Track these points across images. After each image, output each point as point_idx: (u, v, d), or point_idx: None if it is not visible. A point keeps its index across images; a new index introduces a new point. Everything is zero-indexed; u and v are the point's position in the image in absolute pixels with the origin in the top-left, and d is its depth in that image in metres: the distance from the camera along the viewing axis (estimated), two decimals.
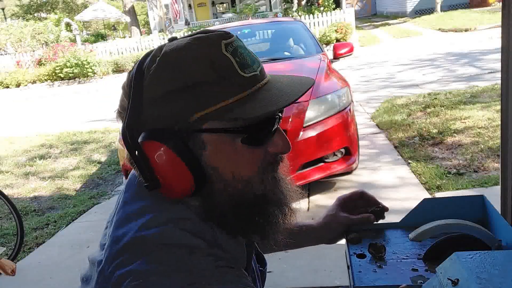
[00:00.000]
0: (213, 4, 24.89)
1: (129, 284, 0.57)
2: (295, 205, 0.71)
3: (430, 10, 20.44)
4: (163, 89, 0.59)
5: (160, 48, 0.63)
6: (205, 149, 0.61)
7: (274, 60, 4.39)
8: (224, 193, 0.63)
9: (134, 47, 15.78)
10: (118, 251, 0.61)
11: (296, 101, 2.77)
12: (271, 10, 22.96)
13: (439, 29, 14.80)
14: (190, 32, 0.66)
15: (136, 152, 0.61)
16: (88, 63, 14.25)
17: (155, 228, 0.60)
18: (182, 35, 0.68)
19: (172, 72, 0.59)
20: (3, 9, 27.04)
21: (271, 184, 0.67)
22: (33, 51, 16.49)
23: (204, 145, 0.61)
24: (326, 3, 16.00)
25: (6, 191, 4.20)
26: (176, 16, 19.52)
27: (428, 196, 3.24)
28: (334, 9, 15.71)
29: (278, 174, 0.69)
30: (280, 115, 0.67)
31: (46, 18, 27.65)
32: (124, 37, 24.70)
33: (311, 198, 3.48)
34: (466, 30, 13.50)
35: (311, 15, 14.78)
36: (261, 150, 0.64)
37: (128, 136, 0.61)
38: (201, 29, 0.78)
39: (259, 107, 0.59)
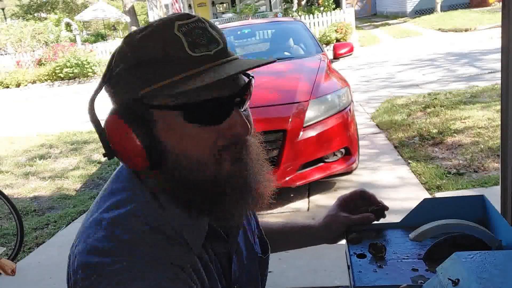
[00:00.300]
0: (213, 4, 24.87)
1: (75, 261, 0.63)
2: (263, 189, 0.69)
3: (430, 10, 20.44)
4: (121, 66, 0.63)
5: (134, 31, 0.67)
6: (156, 125, 0.63)
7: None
8: (177, 171, 0.64)
9: None
10: (82, 231, 0.67)
11: (297, 102, 2.73)
12: (271, 10, 22.94)
13: (439, 29, 14.79)
14: None
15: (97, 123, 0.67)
16: (88, 63, 14.25)
17: (111, 211, 0.65)
18: None
19: (129, 50, 0.63)
20: (3, 9, 27.05)
21: (233, 167, 0.65)
22: (33, 51, 16.47)
23: (155, 122, 0.63)
24: (326, 3, 15.98)
25: (6, 191, 4.19)
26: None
27: (428, 196, 3.24)
28: (334, 9, 15.69)
29: (244, 157, 0.66)
30: (238, 94, 0.65)
31: (46, 18, 27.63)
32: None
33: (311, 198, 3.48)
34: (466, 30, 13.49)
35: (311, 15, 14.77)
36: (214, 130, 0.63)
37: (91, 109, 0.66)
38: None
39: (200, 83, 0.58)
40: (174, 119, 0.62)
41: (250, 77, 0.69)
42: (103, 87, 0.67)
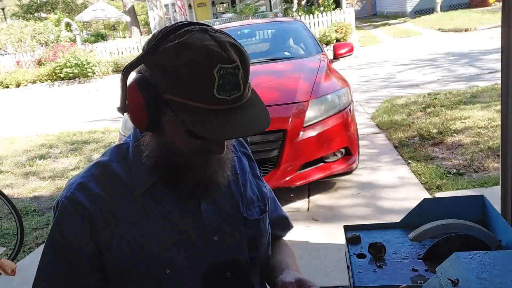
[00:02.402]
0: (213, 4, 24.85)
1: None
2: (218, 180, 0.89)
3: (430, 10, 20.43)
4: (164, 63, 0.78)
5: (186, 32, 0.79)
6: (165, 115, 0.82)
7: (274, 60, 4.39)
8: (162, 147, 0.86)
9: (134, 47, 15.77)
10: None
11: (297, 102, 2.76)
12: (271, 10, 22.92)
13: (439, 29, 14.79)
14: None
15: (124, 85, 0.82)
16: (88, 63, 14.24)
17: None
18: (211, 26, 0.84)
19: (177, 58, 0.77)
20: (3, 9, 27.00)
21: (200, 163, 0.87)
22: (33, 51, 16.47)
23: (165, 113, 0.82)
24: (326, 3, 15.97)
25: (6, 191, 4.20)
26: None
27: (428, 196, 3.24)
28: (334, 9, 15.68)
29: (212, 161, 0.88)
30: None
31: (46, 18, 27.60)
32: (124, 37, 24.66)
33: (311, 198, 3.48)
34: (466, 30, 13.49)
35: (311, 15, 14.76)
36: (200, 142, 0.84)
37: (124, 76, 0.82)
38: (225, 28, 0.98)
39: (201, 125, 0.76)
40: (177, 121, 0.80)
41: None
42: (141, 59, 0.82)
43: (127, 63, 0.83)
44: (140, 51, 0.84)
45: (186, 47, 0.77)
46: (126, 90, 0.83)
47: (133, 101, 0.82)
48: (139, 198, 0.90)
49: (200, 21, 0.86)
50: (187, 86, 0.76)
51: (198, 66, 0.75)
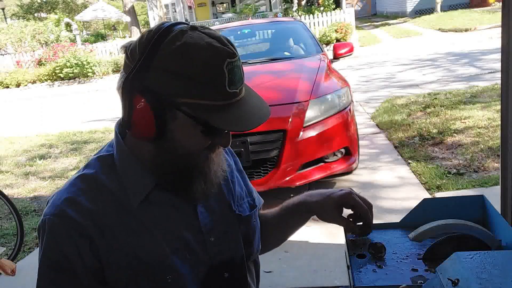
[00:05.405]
0: (213, 4, 24.85)
1: None
2: (215, 180, 0.90)
3: (430, 10, 20.43)
4: (172, 67, 0.76)
5: (182, 33, 0.77)
6: (176, 120, 0.80)
7: (274, 60, 4.39)
8: (169, 153, 0.84)
9: None
10: None
11: (297, 102, 2.75)
12: (271, 10, 22.92)
13: (439, 29, 14.79)
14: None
15: (127, 99, 0.80)
16: (88, 63, 14.23)
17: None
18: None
19: (185, 61, 0.76)
20: (3, 9, 27.01)
21: (204, 160, 0.87)
22: (33, 51, 16.47)
23: (176, 118, 0.79)
24: (326, 3, 15.98)
25: (6, 191, 4.19)
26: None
27: (428, 196, 3.24)
28: (334, 9, 15.69)
29: (212, 156, 0.88)
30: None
31: (46, 18, 27.64)
32: (124, 37, 24.64)
33: None
34: (466, 30, 13.49)
35: (311, 15, 14.77)
36: (209, 138, 0.83)
37: (128, 84, 0.79)
38: (219, 30, 0.96)
39: (225, 121, 0.78)
40: (191, 124, 0.79)
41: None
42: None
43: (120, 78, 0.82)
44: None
45: (191, 48, 0.76)
46: (130, 105, 0.79)
47: (139, 113, 0.79)
48: (133, 209, 0.86)
49: (178, 21, 0.84)
50: (201, 86, 0.76)
51: (209, 65, 0.75)
